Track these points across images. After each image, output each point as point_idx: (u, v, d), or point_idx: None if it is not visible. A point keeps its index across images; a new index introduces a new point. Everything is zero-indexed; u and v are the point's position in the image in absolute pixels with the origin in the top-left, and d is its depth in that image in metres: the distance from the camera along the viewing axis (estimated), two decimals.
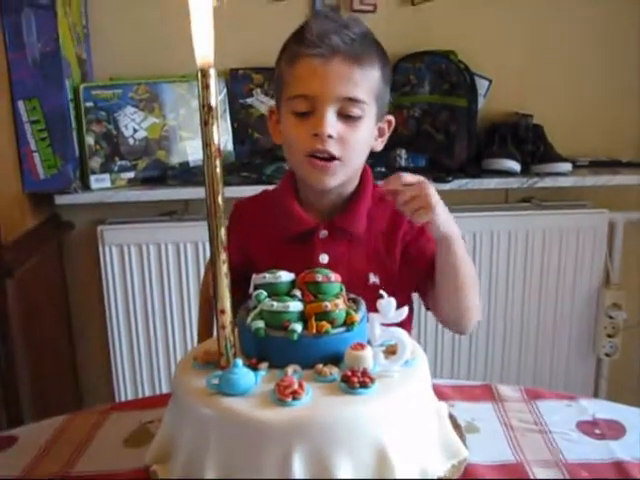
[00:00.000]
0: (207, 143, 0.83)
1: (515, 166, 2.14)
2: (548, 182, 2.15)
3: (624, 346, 2.35)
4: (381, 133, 1.24)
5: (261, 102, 2.22)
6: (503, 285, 2.26)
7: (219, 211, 0.85)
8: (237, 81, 2.23)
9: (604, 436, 1.01)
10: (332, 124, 1.12)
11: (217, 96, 0.83)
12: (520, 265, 2.25)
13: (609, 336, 2.32)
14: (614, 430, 1.02)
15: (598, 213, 2.26)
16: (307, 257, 1.18)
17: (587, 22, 2.26)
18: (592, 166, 2.25)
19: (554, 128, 2.23)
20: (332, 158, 1.14)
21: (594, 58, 2.29)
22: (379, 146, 1.24)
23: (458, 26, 2.22)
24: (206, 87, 0.82)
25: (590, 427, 1.03)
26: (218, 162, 0.84)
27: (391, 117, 1.25)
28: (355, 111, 1.14)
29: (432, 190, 1.06)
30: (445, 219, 1.08)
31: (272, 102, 2.09)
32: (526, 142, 2.19)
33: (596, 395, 2.36)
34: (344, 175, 1.18)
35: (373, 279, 1.21)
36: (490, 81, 2.22)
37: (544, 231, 2.23)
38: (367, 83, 1.14)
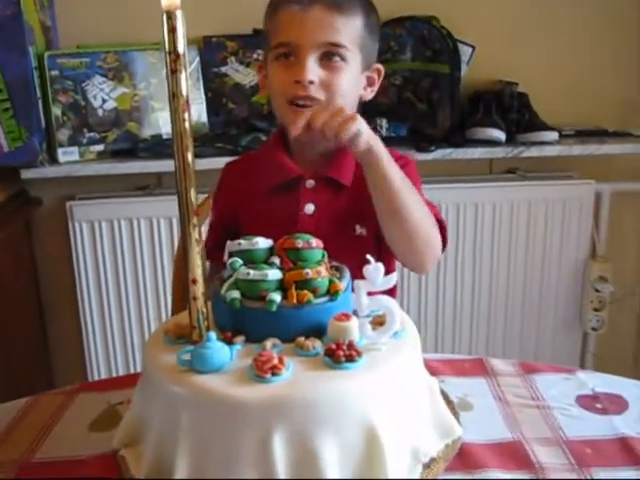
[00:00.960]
0: (174, 94, 0.75)
1: (500, 135, 2.07)
2: (534, 151, 2.09)
3: (611, 320, 2.30)
4: (370, 82, 1.22)
5: (236, 71, 2.14)
6: (487, 258, 2.20)
7: (189, 170, 0.77)
8: (211, 49, 2.14)
9: (606, 411, 0.95)
10: (312, 70, 1.11)
11: (185, 42, 0.75)
12: (505, 237, 2.19)
13: (595, 310, 2.28)
14: (616, 404, 0.97)
15: (584, 184, 2.20)
16: (293, 207, 1.18)
17: None
18: (578, 135, 2.18)
19: (539, 96, 2.17)
20: (312, 100, 1.12)
21: (580, 25, 2.22)
22: (369, 95, 1.23)
23: None
24: (172, 31, 0.74)
25: (591, 401, 0.98)
26: (187, 115, 0.76)
27: (380, 66, 1.23)
28: (337, 56, 1.13)
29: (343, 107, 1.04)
30: (369, 131, 1.02)
31: (247, 70, 2.04)
32: (511, 111, 2.12)
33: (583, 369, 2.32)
34: None
35: (359, 230, 1.18)
36: (473, 48, 2.15)
37: (529, 202, 2.18)
38: (349, 31, 1.13)
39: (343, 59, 1.13)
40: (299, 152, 1.23)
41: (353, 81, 1.17)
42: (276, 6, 1.16)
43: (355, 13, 1.14)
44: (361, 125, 1.00)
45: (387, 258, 1.14)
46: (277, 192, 1.20)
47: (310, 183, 1.19)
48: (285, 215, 1.17)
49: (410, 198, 1.06)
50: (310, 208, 1.18)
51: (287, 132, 1.21)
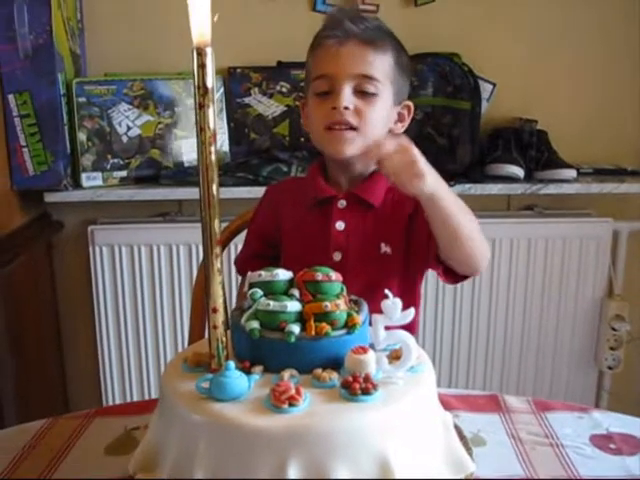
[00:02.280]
0: (201, 128, 0.77)
1: (519, 172, 2.09)
2: (552, 189, 2.10)
3: (627, 359, 2.29)
4: (401, 118, 1.31)
5: (259, 102, 2.17)
6: (504, 294, 2.20)
7: (213, 201, 0.79)
8: (235, 80, 2.17)
9: (620, 451, 0.95)
10: (348, 98, 1.20)
11: (214, 77, 0.77)
12: (522, 274, 2.19)
13: (612, 349, 2.27)
14: (630, 445, 0.96)
15: (602, 222, 2.20)
16: (324, 223, 1.27)
17: (592, 29, 2.22)
18: (596, 174, 2.19)
19: (558, 134, 2.18)
20: (349, 128, 1.21)
21: (599, 64, 2.24)
22: (399, 129, 1.30)
23: (461, 28, 2.18)
24: (202, 67, 0.76)
25: (605, 441, 0.97)
26: (213, 149, 0.78)
27: (410, 102, 1.31)
28: (370, 87, 1.21)
29: (417, 153, 1.04)
30: (433, 181, 1.06)
31: (270, 101, 2.08)
32: (530, 148, 2.13)
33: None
34: (361, 145, 1.21)
35: (384, 249, 1.26)
36: (494, 85, 2.17)
37: (547, 239, 2.18)
38: (381, 65, 1.23)
39: (375, 90, 1.22)
40: (335, 178, 1.31)
41: (384, 112, 1.25)
42: (316, 43, 1.26)
43: (386, 49, 1.23)
44: (426, 184, 1.04)
45: (413, 277, 1.29)
46: (313, 209, 1.30)
47: (342, 203, 1.27)
48: (319, 229, 1.27)
49: (463, 218, 1.12)
50: (341, 225, 1.27)
51: (326, 160, 1.32)
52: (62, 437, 1.02)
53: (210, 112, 0.77)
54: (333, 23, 1.24)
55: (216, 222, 0.80)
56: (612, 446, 0.96)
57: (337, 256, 1.25)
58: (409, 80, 1.32)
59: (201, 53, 0.76)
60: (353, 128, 1.21)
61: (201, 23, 0.76)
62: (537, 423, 1.03)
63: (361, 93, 1.21)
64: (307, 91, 1.29)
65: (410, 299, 1.27)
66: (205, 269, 0.81)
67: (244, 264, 1.39)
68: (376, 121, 1.23)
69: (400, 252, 1.26)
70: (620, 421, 1.04)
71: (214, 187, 0.79)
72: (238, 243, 1.49)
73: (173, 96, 2.11)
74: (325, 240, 1.26)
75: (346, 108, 1.20)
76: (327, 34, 1.23)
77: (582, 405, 1.10)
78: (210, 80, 0.76)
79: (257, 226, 1.41)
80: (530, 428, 1.01)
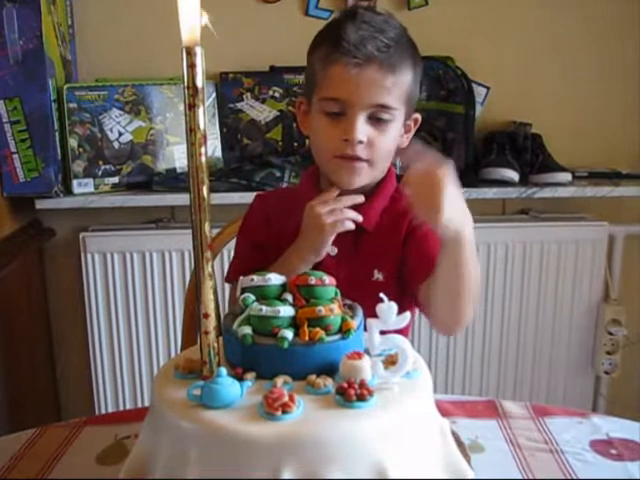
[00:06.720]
0: (191, 128, 0.75)
1: (513, 175, 2.08)
2: (547, 192, 2.09)
3: (624, 363, 2.28)
4: (407, 130, 1.23)
5: (251, 107, 2.15)
6: (499, 299, 2.19)
7: (203, 204, 0.77)
8: (227, 85, 2.16)
9: (621, 457, 0.93)
10: (362, 130, 1.13)
11: (204, 77, 0.75)
12: (517, 278, 2.18)
13: (608, 353, 2.26)
14: (631, 450, 0.95)
15: (598, 225, 2.20)
16: None
17: (587, 32, 2.22)
18: (591, 177, 2.19)
19: (553, 138, 2.19)
20: (360, 159, 1.15)
21: (593, 67, 2.24)
22: (405, 142, 1.23)
23: (455, 32, 2.18)
24: (192, 66, 0.74)
25: (605, 447, 0.96)
26: (203, 150, 0.76)
27: (417, 115, 1.24)
28: (385, 116, 1.15)
29: (445, 182, 0.96)
30: (460, 222, 0.99)
31: (263, 106, 2.06)
32: (525, 151, 2.13)
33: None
34: (370, 176, 1.19)
35: (377, 275, 1.20)
36: (488, 89, 2.17)
37: (542, 243, 2.17)
38: (399, 89, 1.15)
39: (390, 117, 1.15)
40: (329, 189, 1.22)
41: (396, 136, 1.19)
42: (330, 59, 1.14)
43: (405, 69, 1.15)
44: (440, 219, 0.96)
45: (407, 304, 1.16)
46: None
47: None
48: None
49: (472, 279, 1.06)
50: (334, 250, 1.20)
51: (322, 176, 1.24)
52: (52, 446, 1.01)
53: (200, 112, 0.75)
54: (354, 43, 1.11)
55: (207, 225, 0.78)
56: (613, 451, 0.95)
57: None
58: (420, 86, 1.24)
59: (190, 52, 0.74)
60: (364, 160, 1.15)
61: (190, 22, 0.75)
62: (536, 429, 1.01)
63: (375, 122, 1.14)
64: (311, 99, 1.20)
65: None
66: (196, 273, 0.79)
67: (236, 274, 1.22)
68: (388, 149, 1.17)
69: (393, 278, 1.20)
70: (620, 426, 1.03)
71: (204, 189, 0.77)
72: (230, 249, 1.47)
73: (165, 102, 2.10)
74: (314, 264, 1.17)
75: (360, 142, 1.13)
76: (347, 59, 1.11)
77: (581, 410, 1.08)
78: (200, 80, 0.75)
79: (248, 234, 1.32)
80: (529, 434, 1.00)
